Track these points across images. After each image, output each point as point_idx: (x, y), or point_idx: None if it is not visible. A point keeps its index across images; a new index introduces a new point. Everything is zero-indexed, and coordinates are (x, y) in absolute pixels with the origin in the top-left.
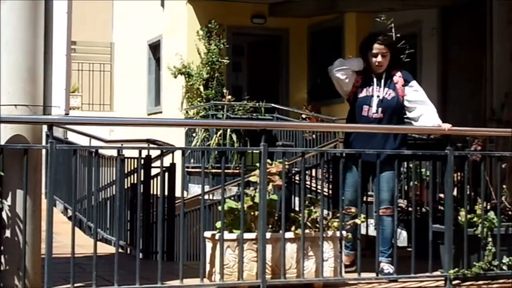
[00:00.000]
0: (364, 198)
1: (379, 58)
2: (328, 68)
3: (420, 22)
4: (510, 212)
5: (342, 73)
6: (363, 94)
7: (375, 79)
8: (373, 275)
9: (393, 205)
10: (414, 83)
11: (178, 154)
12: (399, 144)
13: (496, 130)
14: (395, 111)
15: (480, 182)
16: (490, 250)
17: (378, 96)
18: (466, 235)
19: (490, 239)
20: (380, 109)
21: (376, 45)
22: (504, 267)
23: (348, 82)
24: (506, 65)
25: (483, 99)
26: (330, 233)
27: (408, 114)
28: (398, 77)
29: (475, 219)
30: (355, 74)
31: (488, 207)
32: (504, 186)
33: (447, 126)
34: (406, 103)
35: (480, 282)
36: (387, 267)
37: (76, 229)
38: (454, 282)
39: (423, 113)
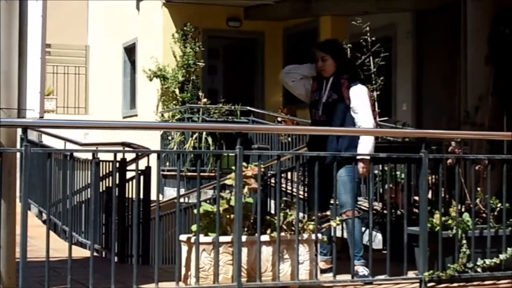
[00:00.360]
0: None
1: (319, 63)
2: (280, 73)
3: (395, 26)
4: (484, 215)
5: (289, 78)
6: (314, 98)
7: (324, 83)
8: (349, 277)
9: (354, 208)
10: (356, 88)
11: (153, 157)
12: (346, 146)
13: (471, 133)
14: (338, 113)
15: (455, 184)
16: (464, 253)
17: (322, 100)
18: (441, 238)
19: (464, 241)
20: (321, 112)
21: (316, 51)
22: (479, 269)
23: (294, 86)
24: (480, 68)
25: (457, 102)
26: (305, 236)
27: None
28: (343, 80)
29: (449, 221)
30: (309, 79)
31: (463, 209)
32: (479, 189)
33: (362, 169)
34: (351, 106)
35: (455, 284)
36: (361, 270)
37: (51, 232)
38: (429, 285)
39: (360, 125)
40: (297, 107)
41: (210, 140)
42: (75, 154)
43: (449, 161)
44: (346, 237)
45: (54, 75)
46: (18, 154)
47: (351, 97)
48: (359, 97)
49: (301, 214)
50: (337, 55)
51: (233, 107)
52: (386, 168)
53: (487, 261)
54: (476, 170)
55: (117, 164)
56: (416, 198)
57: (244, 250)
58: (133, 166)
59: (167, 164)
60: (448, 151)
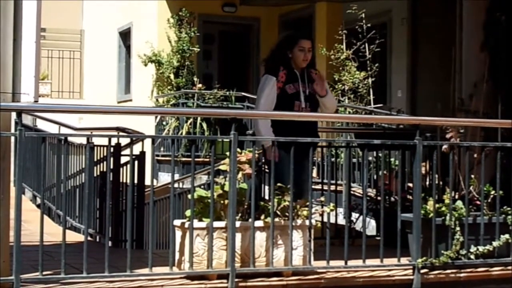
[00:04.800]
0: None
1: (307, 54)
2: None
3: (390, 12)
4: (478, 202)
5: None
6: (292, 89)
7: (298, 75)
8: (342, 263)
9: None
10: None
11: (148, 142)
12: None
13: (462, 120)
14: (317, 105)
15: (449, 171)
16: (458, 239)
17: (304, 92)
18: (435, 225)
19: (458, 228)
20: (308, 104)
21: (304, 40)
22: (472, 256)
23: (274, 97)
24: (476, 55)
25: (452, 89)
26: (299, 221)
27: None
28: (314, 74)
29: (443, 208)
30: (275, 85)
31: (457, 196)
32: (472, 176)
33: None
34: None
35: (448, 271)
36: None
37: (45, 217)
38: (422, 271)
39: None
40: None
41: (204, 125)
42: (70, 138)
43: (445, 147)
44: (339, 223)
45: (48, 59)
46: (12, 138)
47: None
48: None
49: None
50: (314, 48)
51: (228, 92)
52: (380, 154)
53: (480, 248)
54: (472, 157)
55: (112, 149)
56: (410, 184)
57: (238, 236)
58: (127, 151)
59: (162, 149)
60: (446, 138)
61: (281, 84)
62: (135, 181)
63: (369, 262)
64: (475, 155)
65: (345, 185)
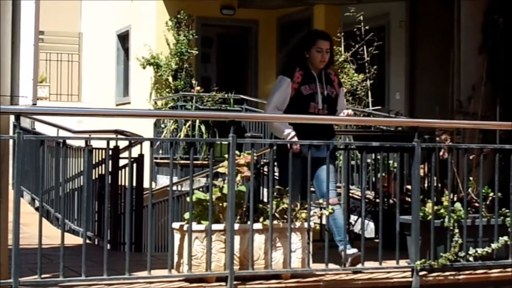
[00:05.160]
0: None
1: (324, 55)
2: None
3: (388, 15)
4: (476, 204)
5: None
6: (308, 91)
7: (316, 76)
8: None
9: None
10: (343, 88)
11: (146, 145)
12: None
13: (464, 122)
14: (335, 107)
15: (447, 173)
16: (456, 242)
17: (322, 93)
18: (433, 227)
19: (457, 230)
20: (325, 106)
21: (322, 41)
22: (471, 259)
23: (286, 98)
24: (474, 58)
25: (450, 91)
26: (298, 224)
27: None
28: (334, 76)
29: (442, 210)
30: (289, 86)
31: (455, 198)
32: (471, 178)
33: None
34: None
35: (447, 273)
36: (348, 248)
37: (44, 220)
38: (420, 273)
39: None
40: None
41: (203, 128)
42: (68, 141)
43: (441, 152)
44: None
45: (47, 62)
46: (10, 141)
47: (340, 97)
48: (344, 99)
49: None
50: (332, 49)
51: (226, 95)
52: (379, 157)
53: (479, 250)
54: (468, 159)
55: (110, 152)
56: (409, 187)
57: (237, 238)
58: (126, 154)
59: (160, 152)
60: (439, 140)
61: (296, 85)
62: (134, 184)
63: (367, 264)
64: (471, 157)
65: (344, 187)
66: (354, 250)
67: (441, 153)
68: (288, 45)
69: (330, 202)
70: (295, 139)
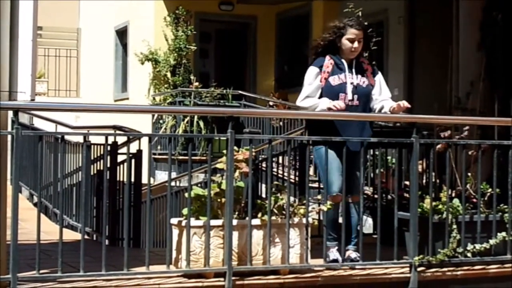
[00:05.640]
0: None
1: (356, 44)
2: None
3: (387, 11)
4: (474, 200)
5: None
6: (337, 81)
7: (346, 65)
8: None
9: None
10: (380, 75)
11: (144, 140)
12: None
13: (463, 118)
14: (368, 98)
15: (445, 169)
16: (455, 237)
17: (352, 83)
18: (431, 222)
19: (455, 226)
20: (356, 96)
21: (353, 30)
22: (469, 254)
23: (318, 87)
24: (472, 54)
25: (448, 88)
26: (296, 220)
27: (370, 104)
28: (367, 65)
29: (440, 206)
30: (319, 75)
31: (453, 194)
32: (469, 174)
33: (403, 102)
34: (372, 93)
35: (445, 269)
36: (354, 255)
37: (42, 215)
38: (419, 269)
39: (384, 105)
40: (288, 91)
41: (201, 124)
42: (66, 137)
43: (439, 146)
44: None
45: (45, 58)
46: (9, 137)
47: (378, 85)
48: (385, 85)
49: (292, 198)
50: (366, 38)
51: (224, 91)
52: (377, 153)
53: (477, 246)
54: (467, 155)
55: (108, 147)
56: (407, 183)
57: (235, 234)
58: (124, 150)
59: (159, 147)
60: (441, 136)
61: (327, 75)
62: (132, 180)
63: (366, 260)
64: (470, 153)
65: (342, 183)
66: (357, 255)
67: (439, 146)
68: (321, 34)
69: (352, 200)
70: (337, 104)
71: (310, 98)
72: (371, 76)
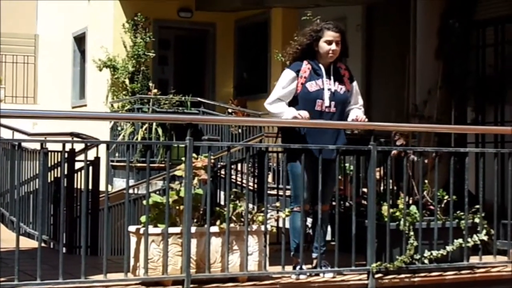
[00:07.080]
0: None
1: (333, 46)
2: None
3: (345, 19)
4: (431, 207)
5: (275, 107)
6: (314, 87)
7: (324, 71)
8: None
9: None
10: (355, 82)
11: (102, 147)
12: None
13: (419, 126)
14: (345, 105)
15: (403, 176)
16: (412, 244)
17: (329, 89)
18: (389, 229)
19: (412, 233)
20: (333, 103)
21: (331, 32)
22: (426, 261)
23: (291, 92)
24: (430, 62)
25: (406, 95)
26: (255, 227)
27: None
28: (344, 70)
29: (397, 213)
30: (295, 80)
31: (411, 201)
32: (426, 181)
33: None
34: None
35: (402, 275)
36: (323, 263)
37: None
38: (376, 276)
39: (350, 113)
40: (247, 98)
41: (160, 131)
42: (23, 144)
43: (393, 152)
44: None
45: (2, 64)
46: None
47: (353, 92)
48: (359, 92)
49: (250, 206)
50: (344, 41)
51: (183, 98)
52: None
53: (434, 253)
54: (424, 162)
55: (66, 155)
56: (365, 190)
57: (193, 241)
58: (82, 157)
59: (117, 154)
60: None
61: (304, 80)
62: (90, 187)
63: (324, 267)
64: (426, 161)
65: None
66: (326, 263)
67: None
68: (296, 38)
69: (322, 209)
70: (302, 114)
71: (281, 102)
72: (348, 82)
